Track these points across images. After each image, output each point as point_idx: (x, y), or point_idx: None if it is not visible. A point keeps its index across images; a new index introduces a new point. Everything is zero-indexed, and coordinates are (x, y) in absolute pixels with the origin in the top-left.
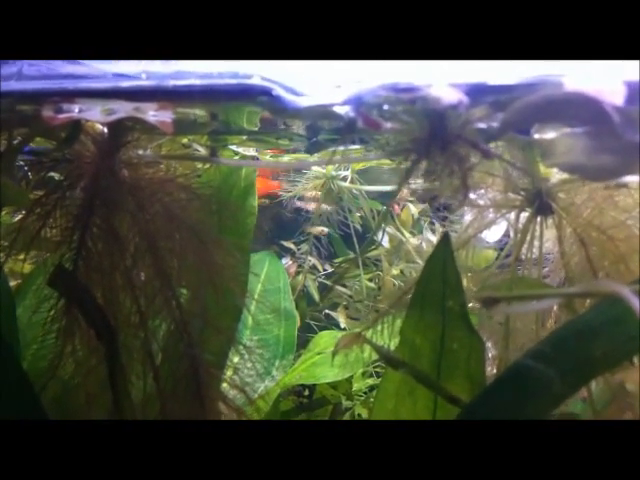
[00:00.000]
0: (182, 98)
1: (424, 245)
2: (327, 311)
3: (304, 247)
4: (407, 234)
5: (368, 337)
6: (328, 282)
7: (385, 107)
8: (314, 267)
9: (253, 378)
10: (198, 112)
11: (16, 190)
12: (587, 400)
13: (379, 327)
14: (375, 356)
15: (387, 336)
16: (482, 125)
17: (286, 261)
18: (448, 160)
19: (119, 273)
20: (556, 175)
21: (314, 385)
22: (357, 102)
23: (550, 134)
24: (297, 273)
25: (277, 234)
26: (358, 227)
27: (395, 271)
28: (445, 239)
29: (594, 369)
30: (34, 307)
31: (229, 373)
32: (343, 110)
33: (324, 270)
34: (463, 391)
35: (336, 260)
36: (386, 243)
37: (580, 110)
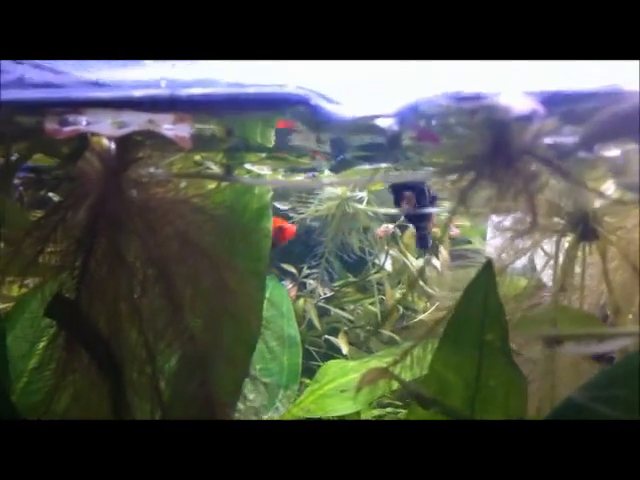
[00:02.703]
0: (204, 109)
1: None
2: (327, 337)
3: (305, 270)
4: (410, 257)
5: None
6: (328, 306)
7: (444, 119)
8: (314, 291)
9: (256, 410)
10: (215, 127)
11: (14, 210)
12: None
13: (407, 361)
14: (388, 388)
15: (415, 370)
16: (553, 139)
17: (286, 285)
18: (514, 179)
19: (125, 302)
20: (604, 196)
21: (319, 418)
22: (412, 113)
23: (615, 151)
24: (297, 297)
25: (277, 256)
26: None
27: (397, 295)
28: (488, 266)
29: None
30: (28, 337)
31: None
32: (386, 123)
33: (325, 294)
34: None
35: (336, 284)
36: (389, 266)
37: None
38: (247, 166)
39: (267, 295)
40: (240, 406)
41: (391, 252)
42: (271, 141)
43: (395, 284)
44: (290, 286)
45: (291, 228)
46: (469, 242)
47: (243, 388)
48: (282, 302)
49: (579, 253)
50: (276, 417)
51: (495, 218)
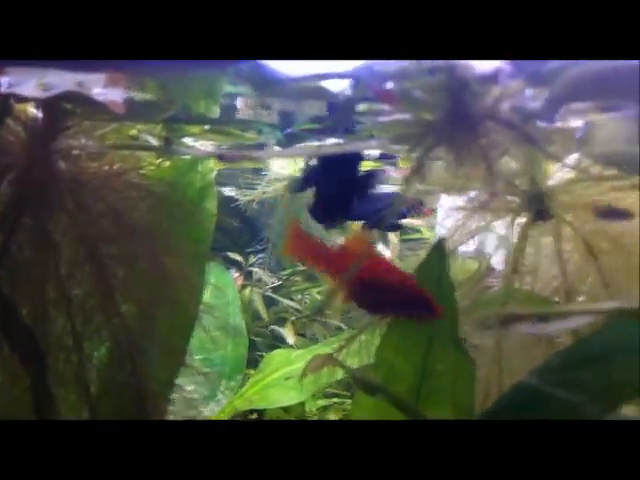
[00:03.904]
0: (137, 68)
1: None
2: (273, 327)
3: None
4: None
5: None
6: (275, 296)
7: (401, 80)
8: (260, 280)
9: (197, 402)
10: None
11: None
12: None
13: (353, 347)
14: (334, 377)
15: (363, 356)
16: (517, 102)
17: (232, 273)
18: (474, 145)
19: (51, 285)
20: (557, 174)
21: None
22: (367, 73)
23: (576, 122)
24: (243, 286)
25: (223, 244)
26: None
27: None
28: (439, 246)
29: (613, 398)
30: None
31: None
32: (340, 87)
33: (272, 283)
34: (448, 416)
35: (284, 272)
36: None
37: (633, 85)
38: (188, 141)
39: (212, 282)
40: (178, 397)
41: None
42: (215, 112)
43: None
44: (236, 275)
45: None
46: (418, 231)
47: (177, 378)
48: (228, 290)
49: (534, 233)
50: (217, 409)
51: (446, 198)
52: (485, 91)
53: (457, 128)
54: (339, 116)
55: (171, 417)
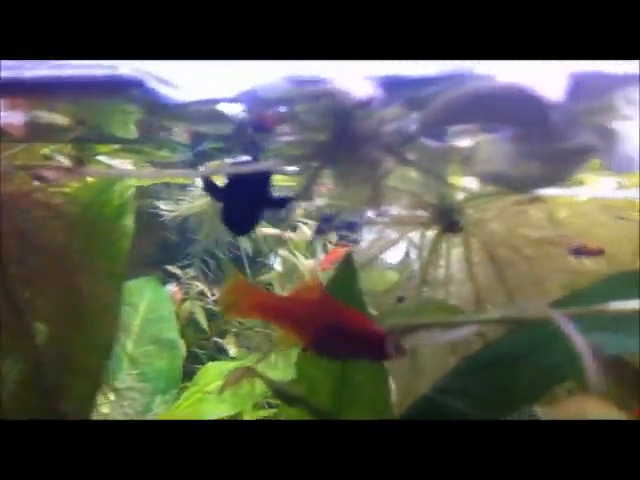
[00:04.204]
0: (36, 92)
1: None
2: (216, 339)
3: (190, 272)
4: (300, 257)
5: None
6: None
7: (286, 104)
8: (202, 293)
9: (130, 417)
10: (61, 115)
11: None
12: None
13: (272, 359)
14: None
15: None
16: (397, 126)
17: (171, 287)
18: (358, 166)
19: None
20: (465, 189)
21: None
22: (251, 98)
23: (467, 141)
24: (183, 300)
25: (162, 258)
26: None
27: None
28: (348, 259)
29: (517, 401)
30: None
31: (105, 411)
32: (234, 110)
33: (212, 295)
34: None
35: None
36: (278, 266)
37: (512, 107)
38: (104, 159)
39: (146, 298)
40: (111, 413)
41: (280, 252)
42: (133, 132)
43: (285, 284)
44: (175, 289)
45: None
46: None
47: (96, 398)
48: (162, 305)
49: (444, 245)
50: None
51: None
52: (367, 115)
53: (341, 151)
54: (241, 137)
55: None
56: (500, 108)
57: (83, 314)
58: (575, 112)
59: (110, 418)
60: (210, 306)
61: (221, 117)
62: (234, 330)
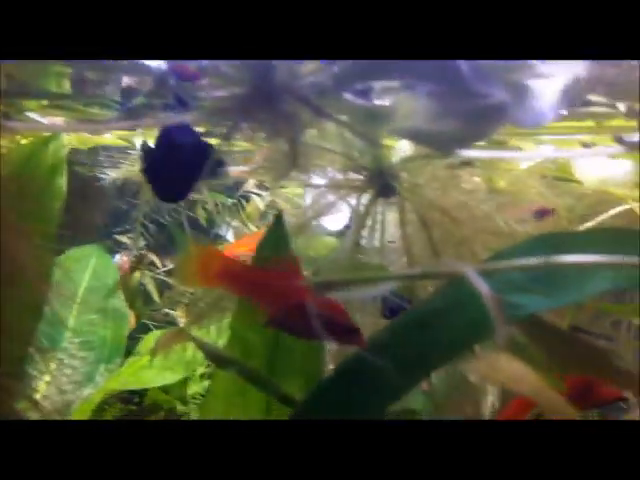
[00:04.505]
0: None
1: None
2: (167, 310)
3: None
4: (253, 228)
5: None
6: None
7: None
8: (152, 263)
9: (73, 385)
10: None
11: None
12: (428, 393)
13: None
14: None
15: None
16: (315, 79)
17: (119, 257)
18: (274, 120)
19: None
20: (401, 152)
21: (145, 390)
22: None
23: (385, 100)
24: (132, 269)
25: (109, 227)
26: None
27: None
28: (278, 221)
29: (436, 359)
30: None
31: (47, 379)
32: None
33: (164, 266)
34: (300, 389)
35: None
36: (231, 237)
37: (428, 63)
38: (31, 115)
39: (91, 266)
40: (51, 381)
41: (233, 223)
42: (65, 87)
43: None
44: (125, 258)
45: None
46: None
47: (27, 363)
48: (107, 273)
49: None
50: (94, 392)
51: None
52: (287, 68)
53: (260, 104)
54: (165, 90)
55: (45, 403)
56: (416, 64)
57: (14, 274)
58: (491, 69)
59: (52, 386)
60: (161, 277)
61: (143, 69)
62: (185, 301)
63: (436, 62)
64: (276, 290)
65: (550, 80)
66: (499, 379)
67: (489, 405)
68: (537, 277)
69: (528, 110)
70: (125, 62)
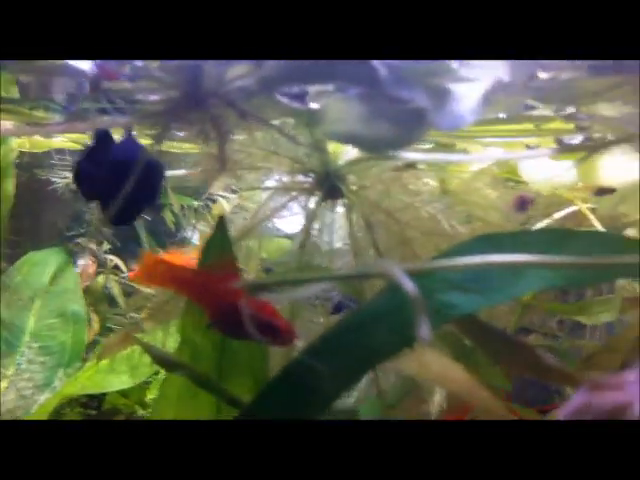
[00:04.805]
0: None
1: None
2: (132, 314)
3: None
4: None
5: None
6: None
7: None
8: (117, 267)
9: (31, 390)
10: None
11: None
12: (379, 395)
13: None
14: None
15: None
16: (243, 83)
17: (83, 261)
18: (203, 123)
19: None
20: (348, 154)
21: (104, 395)
22: None
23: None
24: (98, 273)
25: (70, 231)
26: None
27: None
28: (220, 224)
29: (369, 361)
30: None
31: (4, 385)
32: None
33: (129, 270)
34: (248, 391)
35: None
36: (197, 240)
37: (351, 66)
38: None
39: (50, 270)
40: (10, 387)
41: (199, 226)
42: (13, 92)
43: None
44: (89, 262)
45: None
46: None
47: None
48: (67, 277)
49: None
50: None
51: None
52: (217, 70)
53: (189, 107)
54: (101, 94)
55: (2, 408)
56: (339, 67)
57: None
58: (413, 73)
59: (9, 392)
60: (125, 281)
61: (74, 71)
62: (149, 305)
63: (361, 64)
64: (213, 292)
65: (472, 84)
66: (429, 377)
67: (436, 405)
68: (475, 277)
69: (447, 114)
70: (53, 62)
